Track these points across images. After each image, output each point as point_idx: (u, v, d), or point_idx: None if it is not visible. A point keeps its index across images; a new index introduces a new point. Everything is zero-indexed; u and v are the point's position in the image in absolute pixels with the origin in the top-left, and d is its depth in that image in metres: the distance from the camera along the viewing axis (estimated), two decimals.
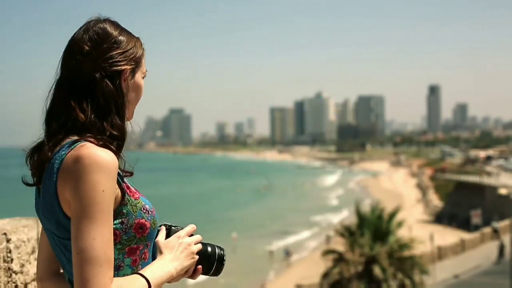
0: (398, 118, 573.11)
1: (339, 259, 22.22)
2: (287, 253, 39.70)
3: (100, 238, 1.34)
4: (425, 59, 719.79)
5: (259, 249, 41.27)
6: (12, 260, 2.32)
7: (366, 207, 28.28)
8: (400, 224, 23.41)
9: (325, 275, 22.35)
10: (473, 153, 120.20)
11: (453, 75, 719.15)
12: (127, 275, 1.45)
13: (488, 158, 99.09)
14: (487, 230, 37.35)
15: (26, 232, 2.44)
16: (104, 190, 1.35)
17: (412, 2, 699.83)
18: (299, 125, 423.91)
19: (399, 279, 21.26)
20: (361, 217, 23.31)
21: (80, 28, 1.55)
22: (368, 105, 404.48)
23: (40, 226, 2.58)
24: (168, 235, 1.58)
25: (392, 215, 23.37)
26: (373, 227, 22.45)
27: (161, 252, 1.54)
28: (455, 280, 28.05)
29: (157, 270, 1.47)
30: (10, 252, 2.31)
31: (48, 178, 1.43)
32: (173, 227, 1.61)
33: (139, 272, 1.45)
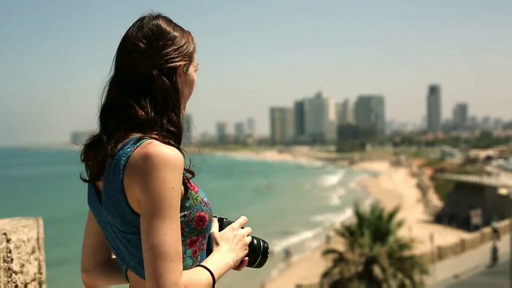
0: (398, 118, 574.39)
1: (339, 259, 22.21)
2: (287, 253, 39.68)
3: (170, 234, 1.36)
4: (425, 59, 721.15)
5: None
6: (12, 260, 2.32)
7: (366, 207, 28.24)
8: (400, 224, 23.38)
9: (325, 275, 22.35)
10: (473, 153, 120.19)
11: (453, 75, 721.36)
12: (189, 265, 1.48)
13: (488, 158, 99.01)
14: (487, 230, 37.26)
15: (26, 232, 2.44)
16: (174, 187, 1.38)
17: (412, 2, 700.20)
18: (299, 125, 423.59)
19: (399, 279, 21.24)
20: (360, 217, 23.31)
21: (133, 25, 1.55)
22: (368, 105, 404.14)
23: (40, 226, 2.59)
24: (220, 227, 1.62)
25: (392, 215, 23.35)
26: (373, 227, 22.43)
27: (217, 244, 1.57)
28: (455, 280, 28.02)
29: (217, 262, 1.51)
30: (10, 252, 2.31)
31: (112, 174, 1.43)
32: (224, 219, 1.65)
33: (202, 264, 1.48)
